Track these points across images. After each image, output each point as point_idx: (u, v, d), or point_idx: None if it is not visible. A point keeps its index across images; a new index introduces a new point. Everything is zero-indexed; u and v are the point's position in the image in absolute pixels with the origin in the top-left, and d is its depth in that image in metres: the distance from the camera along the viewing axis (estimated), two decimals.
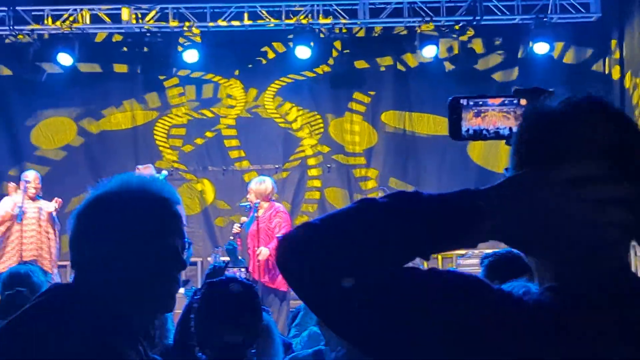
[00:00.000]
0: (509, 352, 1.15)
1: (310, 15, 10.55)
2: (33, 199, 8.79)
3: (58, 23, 10.44)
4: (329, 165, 11.13)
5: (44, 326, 1.70)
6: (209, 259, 9.80)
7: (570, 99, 1.26)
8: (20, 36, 10.50)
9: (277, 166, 11.05)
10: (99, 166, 10.52)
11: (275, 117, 11.18)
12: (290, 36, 10.70)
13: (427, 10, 10.50)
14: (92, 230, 1.83)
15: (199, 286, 3.53)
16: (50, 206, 8.74)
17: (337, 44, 10.86)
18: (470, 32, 10.76)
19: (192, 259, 10.25)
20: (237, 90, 11.19)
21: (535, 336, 1.15)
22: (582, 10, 10.53)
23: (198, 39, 10.67)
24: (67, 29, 10.38)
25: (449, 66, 10.84)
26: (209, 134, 11.15)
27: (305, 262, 1.19)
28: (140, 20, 10.57)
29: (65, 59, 10.32)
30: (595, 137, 1.22)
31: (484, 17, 10.43)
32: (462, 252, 8.80)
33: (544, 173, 1.19)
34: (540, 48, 10.33)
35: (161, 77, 11.03)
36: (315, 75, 11.06)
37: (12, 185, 9.15)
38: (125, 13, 10.37)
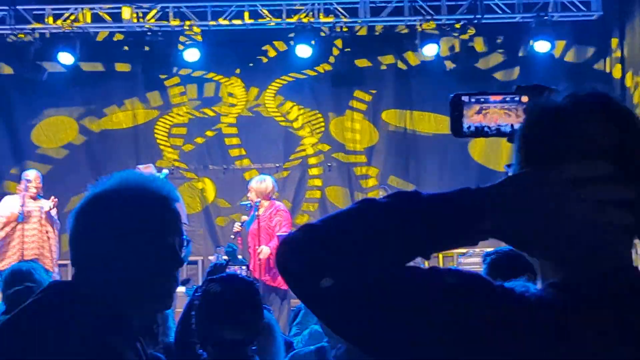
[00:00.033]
0: (509, 351, 1.15)
1: (310, 13, 10.55)
2: (34, 198, 8.80)
3: (59, 22, 10.44)
4: (329, 164, 11.14)
5: (42, 324, 1.70)
6: (210, 257, 9.80)
7: (575, 95, 1.26)
8: (21, 35, 10.49)
9: (277, 165, 11.05)
10: (100, 165, 10.53)
11: (276, 115, 11.18)
12: (291, 35, 10.70)
13: (428, 9, 10.50)
14: (91, 229, 1.83)
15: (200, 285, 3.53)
16: (46, 205, 8.74)
17: (338, 43, 10.86)
18: (471, 31, 10.75)
19: (193, 258, 10.27)
20: (238, 89, 11.19)
21: (535, 335, 1.15)
22: (583, 8, 10.53)
23: (199, 38, 10.67)
24: (68, 27, 10.39)
25: (449, 65, 10.84)
26: (209, 133, 11.15)
27: (306, 262, 1.19)
28: (141, 19, 10.56)
29: (66, 58, 10.32)
30: (598, 134, 1.21)
31: (485, 16, 10.42)
32: (463, 250, 8.80)
33: (545, 173, 1.19)
34: (541, 46, 10.33)
35: (162, 76, 11.04)
36: (316, 74, 11.07)
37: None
38: (126, 12, 10.36)
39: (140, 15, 10.59)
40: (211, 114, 11.19)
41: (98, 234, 1.81)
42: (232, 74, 11.16)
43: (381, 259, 1.18)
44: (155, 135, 11.15)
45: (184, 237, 1.93)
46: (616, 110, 1.25)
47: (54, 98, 10.86)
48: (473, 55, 10.76)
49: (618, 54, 10.74)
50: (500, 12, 10.51)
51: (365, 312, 1.18)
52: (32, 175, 8.87)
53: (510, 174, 1.30)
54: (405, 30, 11.00)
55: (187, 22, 10.52)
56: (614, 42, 10.83)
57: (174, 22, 10.54)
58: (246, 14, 10.56)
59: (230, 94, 11.20)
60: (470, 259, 8.73)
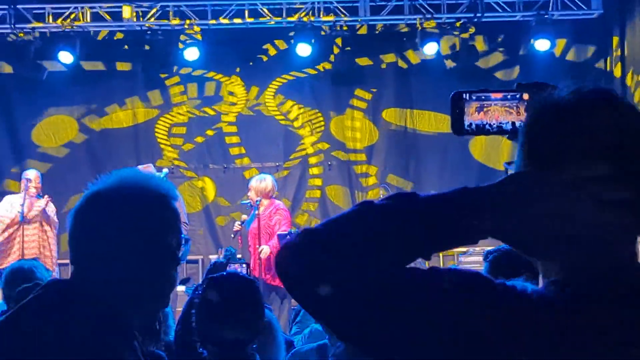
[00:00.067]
0: (509, 350, 1.15)
1: (311, 12, 10.54)
2: (34, 198, 8.80)
3: (59, 21, 10.43)
4: (329, 163, 11.13)
5: (41, 322, 1.70)
6: (211, 257, 9.81)
7: (579, 91, 1.25)
8: (22, 34, 10.49)
9: (277, 164, 11.04)
10: (100, 164, 10.51)
11: (276, 114, 11.17)
12: (291, 34, 10.69)
13: (428, 8, 10.49)
14: (89, 228, 1.83)
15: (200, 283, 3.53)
16: (42, 203, 8.73)
17: (338, 41, 10.85)
18: (472, 30, 10.74)
19: (193, 257, 10.27)
20: (238, 88, 11.19)
21: (535, 335, 1.15)
22: (583, 7, 10.52)
23: (199, 37, 10.66)
24: (68, 27, 10.38)
25: (450, 63, 10.83)
26: (209, 132, 11.14)
27: (307, 266, 1.19)
28: (141, 19, 10.56)
29: (66, 57, 10.32)
30: (602, 131, 1.21)
31: (485, 14, 10.42)
32: (464, 249, 8.80)
33: (545, 172, 1.19)
34: (542, 45, 10.32)
35: (162, 75, 11.03)
36: (316, 72, 11.06)
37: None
38: (127, 11, 10.36)
39: (140, 14, 10.58)
40: (211, 112, 11.18)
41: (96, 233, 1.81)
42: (232, 73, 11.15)
43: (381, 261, 1.18)
44: (156, 134, 11.14)
45: (182, 235, 1.93)
46: (620, 106, 1.24)
47: (54, 97, 10.85)
48: (473, 54, 10.75)
49: (618, 52, 10.73)
50: (500, 10, 10.50)
51: (365, 312, 1.18)
52: (32, 174, 8.88)
53: (510, 171, 1.30)
54: (406, 29, 10.99)
55: (187, 21, 10.51)
56: (615, 40, 10.81)
57: (174, 21, 10.53)
58: (246, 13, 10.55)
59: (231, 93, 11.19)
60: (471, 257, 8.73)
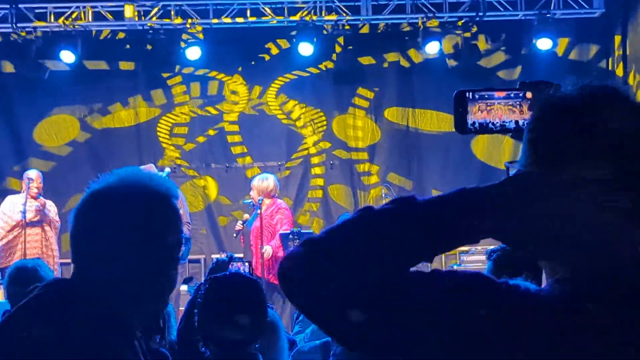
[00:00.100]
0: (510, 350, 1.15)
1: (313, 11, 10.53)
2: (35, 198, 8.80)
3: (61, 20, 10.43)
4: (332, 162, 11.13)
5: (40, 322, 1.70)
6: (213, 256, 9.81)
7: (586, 88, 1.25)
8: (23, 33, 10.49)
9: (280, 163, 11.04)
10: (102, 163, 10.51)
11: (279, 114, 11.17)
12: (293, 33, 10.68)
13: (430, 7, 10.49)
14: (89, 227, 1.83)
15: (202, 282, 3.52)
16: (38, 204, 8.73)
17: (340, 40, 10.85)
18: (474, 29, 10.74)
19: (196, 256, 10.28)
20: (240, 87, 11.18)
21: (535, 334, 1.15)
22: (585, 5, 10.51)
23: (201, 36, 10.66)
24: (70, 26, 10.38)
25: (452, 63, 10.82)
26: (211, 132, 11.14)
27: (310, 275, 1.19)
28: (143, 18, 10.56)
29: (68, 56, 10.32)
30: (607, 131, 1.20)
31: (487, 13, 10.41)
32: (465, 248, 8.80)
33: (546, 172, 1.19)
34: (544, 44, 10.31)
35: (164, 75, 11.03)
36: (319, 71, 11.05)
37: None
38: (129, 10, 10.36)
39: (142, 13, 10.58)
40: (214, 112, 11.18)
41: (96, 233, 1.81)
42: (234, 72, 11.15)
43: (384, 266, 1.18)
44: (158, 133, 11.14)
45: (183, 235, 1.92)
46: (626, 105, 1.24)
47: (55, 97, 10.85)
48: (475, 53, 10.75)
49: (620, 51, 10.72)
50: (502, 9, 10.50)
51: (366, 312, 1.18)
52: (33, 174, 8.89)
53: (512, 169, 1.30)
54: (408, 28, 10.98)
55: (189, 20, 10.51)
56: (617, 39, 10.80)
57: (176, 21, 10.53)
58: (248, 12, 10.54)
59: (233, 92, 11.19)
60: (473, 256, 8.73)
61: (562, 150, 1.21)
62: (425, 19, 10.44)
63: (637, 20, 10.27)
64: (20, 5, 10.30)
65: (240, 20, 10.57)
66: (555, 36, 10.36)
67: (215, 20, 10.54)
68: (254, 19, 10.55)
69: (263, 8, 10.52)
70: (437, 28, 10.58)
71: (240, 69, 11.13)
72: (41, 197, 8.91)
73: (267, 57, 11.12)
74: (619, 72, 10.70)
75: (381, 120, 11.17)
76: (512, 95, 1.53)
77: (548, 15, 10.33)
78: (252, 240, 8.50)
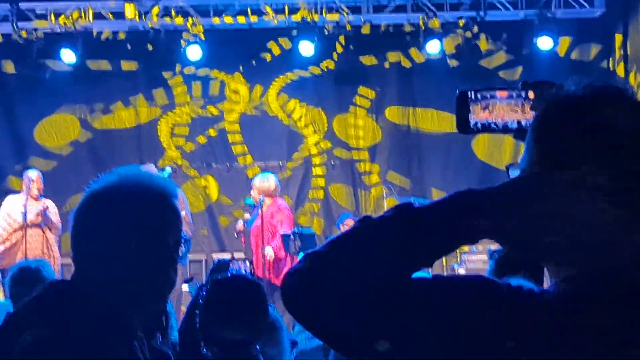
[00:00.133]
0: (510, 350, 1.15)
1: (314, 11, 10.53)
2: (35, 198, 8.80)
3: (61, 20, 10.43)
4: (333, 162, 11.13)
5: (40, 322, 1.70)
6: (214, 256, 9.82)
7: (591, 87, 1.25)
8: (24, 33, 10.48)
9: (281, 163, 11.05)
10: (103, 163, 10.51)
11: (279, 113, 11.17)
12: (294, 32, 10.68)
13: (431, 6, 10.48)
14: (89, 227, 1.82)
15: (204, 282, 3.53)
16: (39, 206, 8.73)
17: (342, 40, 10.84)
18: (475, 28, 10.73)
19: (197, 257, 10.28)
20: (241, 87, 11.18)
21: (536, 334, 1.15)
22: (585, 5, 10.51)
23: (202, 36, 10.65)
24: (70, 26, 10.38)
25: (453, 62, 10.82)
26: (212, 132, 11.14)
27: (314, 290, 1.20)
28: (143, 17, 10.55)
29: (68, 56, 10.32)
30: (611, 130, 1.20)
31: (488, 13, 10.41)
32: (466, 248, 8.80)
33: (546, 173, 1.19)
34: (545, 43, 10.30)
35: (164, 74, 11.03)
36: (320, 71, 11.05)
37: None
38: (129, 10, 10.35)
39: (143, 13, 10.58)
40: (215, 112, 11.18)
41: (95, 233, 1.81)
42: (235, 72, 11.15)
43: (385, 274, 1.18)
44: (158, 133, 11.15)
45: (183, 235, 1.92)
46: (630, 104, 1.24)
47: (56, 96, 10.85)
48: (476, 52, 10.74)
49: (622, 51, 10.72)
50: (502, 9, 10.50)
51: (365, 313, 1.18)
52: (33, 175, 8.88)
53: (511, 171, 1.30)
54: (409, 28, 10.97)
55: (190, 20, 10.50)
56: (618, 39, 10.80)
57: (178, 20, 10.52)
58: (249, 12, 10.54)
59: (235, 91, 11.19)
60: (474, 256, 8.73)
61: (566, 149, 1.21)
62: (426, 19, 10.44)
63: (638, 19, 10.26)
64: (20, 5, 10.30)
65: (241, 19, 10.56)
66: (556, 35, 10.35)
67: (217, 20, 10.54)
68: (255, 18, 10.54)
69: (264, 8, 10.51)
70: (438, 28, 10.57)
71: (241, 68, 11.13)
72: (42, 198, 8.91)
73: (268, 57, 11.11)
74: (620, 72, 10.69)
75: (382, 120, 11.17)
76: (514, 95, 1.53)
77: (549, 14, 10.32)
78: (252, 240, 8.51)
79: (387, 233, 1.21)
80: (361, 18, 10.72)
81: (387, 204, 10.36)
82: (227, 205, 11.00)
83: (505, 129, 1.52)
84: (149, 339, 1.93)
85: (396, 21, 10.93)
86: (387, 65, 11.16)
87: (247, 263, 5.06)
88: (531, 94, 1.52)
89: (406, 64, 11.14)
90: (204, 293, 2.77)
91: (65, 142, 11.02)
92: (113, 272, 1.78)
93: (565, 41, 10.78)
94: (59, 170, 10.75)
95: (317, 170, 11.17)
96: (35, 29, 10.45)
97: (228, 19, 10.53)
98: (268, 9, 10.51)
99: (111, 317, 1.75)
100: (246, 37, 10.84)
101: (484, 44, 10.93)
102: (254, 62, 11.11)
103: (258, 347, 2.71)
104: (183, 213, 8.85)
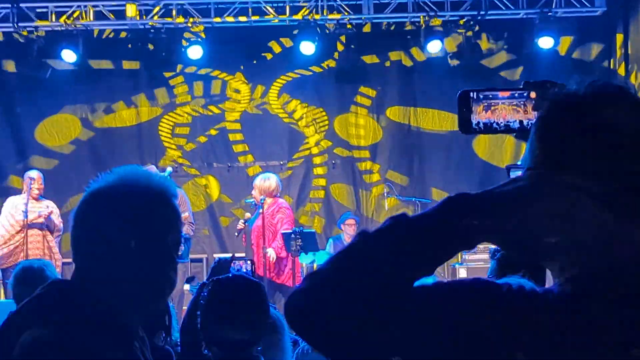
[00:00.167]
0: (510, 350, 1.15)
1: (314, 10, 10.53)
2: (36, 198, 8.80)
3: (62, 20, 10.43)
4: (334, 162, 11.13)
5: (40, 322, 1.70)
6: (215, 255, 9.82)
7: (593, 87, 1.24)
8: (25, 33, 10.49)
9: (282, 163, 11.05)
10: (103, 163, 10.51)
11: (280, 113, 11.17)
12: (295, 32, 10.68)
13: (432, 5, 10.48)
14: (88, 227, 1.82)
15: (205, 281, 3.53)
16: (43, 209, 8.71)
17: (343, 39, 10.84)
18: (476, 27, 10.73)
19: (198, 256, 10.28)
20: (242, 86, 11.18)
21: (536, 334, 1.15)
22: (586, 4, 10.50)
23: (203, 35, 10.66)
24: (71, 25, 10.38)
25: (454, 61, 10.81)
26: (213, 131, 11.15)
27: (320, 310, 1.21)
28: (144, 17, 10.55)
29: (69, 55, 10.32)
30: (614, 130, 1.20)
31: (489, 12, 10.41)
32: None
33: (548, 172, 1.19)
34: (545, 43, 10.30)
35: (165, 74, 11.03)
36: (321, 70, 11.05)
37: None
38: (131, 9, 10.35)
39: (144, 12, 10.58)
40: (216, 111, 11.19)
41: (96, 233, 1.80)
42: (235, 71, 11.15)
43: (387, 284, 1.19)
44: (159, 132, 11.15)
45: (182, 234, 1.92)
46: (632, 105, 1.24)
47: (57, 96, 10.85)
48: (477, 51, 10.75)
49: (622, 50, 10.71)
50: (503, 8, 10.49)
51: (365, 313, 1.19)
52: (34, 175, 8.88)
53: (512, 173, 1.30)
54: (410, 27, 10.98)
55: (191, 19, 10.50)
56: (619, 38, 10.80)
57: (179, 20, 10.52)
58: (250, 11, 10.54)
59: (236, 91, 11.19)
60: (475, 255, 8.73)
61: (568, 149, 1.21)
62: (427, 18, 10.44)
63: (638, 19, 10.26)
64: (21, 5, 10.30)
65: (243, 19, 10.55)
66: (557, 35, 10.35)
67: (218, 19, 10.53)
68: (256, 17, 10.54)
69: (265, 7, 10.50)
70: (439, 27, 10.57)
71: (242, 67, 11.13)
72: (43, 199, 8.90)
73: (269, 56, 11.11)
74: (621, 71, 10.69)
75: (383, 119, 11.17)
76: (516, 95, 1.53)
77: (550, 13, 10.32)
78: (253, 240, 8.51)
79: (385, 246, 1.22)
80: (362, 17, 10.72)
81: (388, 203, 10.36)
82: (228, 204, 11.01)
83: (507, 129, 1.52)
84: (151, 338, 1.93)
85: (397, 20, 10.93)
86: (388, 64, 11.16)
87: (249, 262, 5.05)
88: (533, 94, 1.52)
89: (407, 62, 11.14)
90: (205, 293, 2.76)
91: (67, 141, 11.02)
92: (113, 272, 1.78)
93: (566, 40, 10.78)
94: (60, 169, 10.76)
95: (318, 170, 11.17)
96: (36, 28, 10.45)
97: (229, 18, 10.53)
98: (269, 8, 10.51)
99: (111, 317, 1.75)
100: (247, 37, 10.84)
101: (484, 43, 10.93)
102: (254, 61, 11.11)
103: (260, 348, 2.71)
104: (186, 214, 8.82)
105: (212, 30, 10.67)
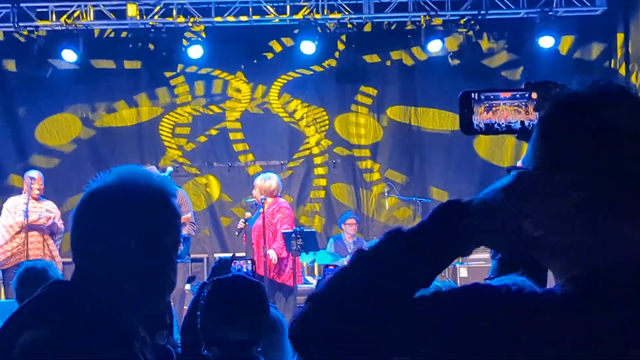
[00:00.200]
0: (510, 350, 1.15)
1: (315, 10, 10.52)
2: (36, 199, 8.80)
3: (62, 19, 10.43)
4: (334, 161, 11.13)
5: (41, 322, 1.70)
6: (215, 255, 9.83)
7: (596, 86, 1.24)
8: (25, 32, 10.49)
9: (282, 162, 11.05)
10: (104, 163, 10.51)
11: (281, 112, 11.17)
12: (296, 31, 10.68)
13: (432, 5, 10.48)
14: (87, 227, 1.82)
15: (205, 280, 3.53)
16: (43, 211, 8.71)
17: (343, 39, 10.84)
18: (476, 27, 10.73)
19: (199, 255, 10.29)
20: (243, 85, 11.18)
21: (536, 334, 1.15)
22: (587, 3, 10.50)
23: (203, 35, 10.65)
24: (72, 24, 10.37)
25: (454, 61, 10.81)
26: (214, 131, 11.15)
27: (323, 331, 1.22)
28: (144, 17, 10.55)
29: (69, 55, 10.32)
30: (614, 130, 1.20)
31: (489, 11, 10.40)
32: None
33: (548, 172, 1.19)
34: (546, 42, 10.30)
35: (166, 74, 11.03)
36: (322, 69, 11.05)
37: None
38: (132, 9, 10.35)
39: (144, 12, 10.57)
40: (217, 110, 11.19)
41: (95, 233, 1.80)
42: (236, 71, 11.15)
43: (388, 303, 1.20)
44: (160, 132, 11.15)
45: (181, 234, 1.91)
46: (633, 104, 1.23)
47: (57, 96, 10.85)
48: (477, 51, 10.75)
49: (623, 50, 10.71)
50: (504, 7, 10.49)
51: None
52: (35, 174, 8.88)
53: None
54: (410, 27, 10.98)
55: (191, 19, 10.50)
56: (620, 37, 10.79)
57: (179, 19, 10.52)
58: (250, 11, 10.53)
59: (237, 90, 11.19)
60: (476, 254, 8.71)
61: (570, 148, 1.20)
62: (427, 17, 10.43)
63: (639, 18, 10.25)
64: (21, 5, 10.30)
65: (243, 18, 10.55)
66: (558, 34, 10.34)
67: (218, 19, 10.53)
68: (256, 17, 10.53)
69: (265, 6, 10.50)
70: (439, 26, 10.56)
71: (242, 67, 11.13)
72: (43, 199, 8.90)
73: (270, 56, 11.11)
74: (622, 70, 10.69)
75: (383, 119, 11.17)
76: (517, 95, 1.53)
77: (550, 13, 10.32)
78: (253, 239, 8.51)
79: (382, 262, 1.23)
80: (362, 17, 10.72)
81: (389, 202, 10.36)
82: (229, 203, 11.01)
83: (508, 130, 1.52)
84: (152, 338, 1.93)
85: (398, 20, 10.93)
86: (388, 63, 11.16)
87: (249, 262, 5.05)
88: (534, 95, 1.52)
89: (408, 61, 11.14)
90: (205, 293, 2.76)
91: (67, 141, 11.03)
92: (112, 272, 1.78)
93: (567, 40, 10.77)
94: (61, 167, 10.76)
95: (319, 170, 11.17)
96: (37, 28, 10.45)
97: (230, 18, 10.52)
98: (269, 7, 10.51)
99: (111, 317, 1.75)
100: (248, 36, 10.84)
101: (485, 42, 10.93)
102: (255, 60, 11.11)
103: (260, 349, 2.71)
104: (189, 214, 8.79)
105: (213, 29, 10.67)
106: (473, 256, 8.87)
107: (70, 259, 1.88)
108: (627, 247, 1.19)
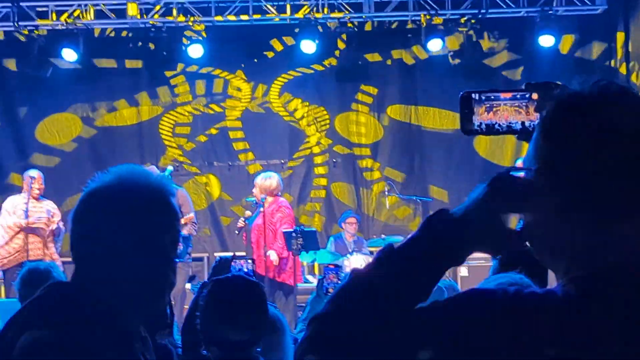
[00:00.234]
0: (510, 350, 1.15)
1: (315, 9, 10.52)
2: (36, 198, 8.80)
3: (62, 19, 10.43)
4: (334, 160, 11.13)
5: (41, 323, 1.70)
6: (216, 254, 9.83)
7: (597, 86, 1.24)
8: (25, 32, 10.49)
9: (283, 161, 11.05)
10: (104, 162, 10.51)
11: (281, 111, 11.18)
12: (296, 30, 10.67)
13: (432, 4, 10.48)
14: (87, 227, 1.82)
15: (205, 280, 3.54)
16: (42, 212, 8.71)
17: (344, 38, 10.84)
18: (477, 26, 10.73)
19: (199, 255, 10.29)
20: (243, 85, 11.18)
21: (535, 335, 1.15)
22: (587, 2, 10.50)
23: (204, 34, 10.65)
24: (72, 24, 10.37)
25: (455, 60, 10.81)
26: (214, 130, 11.15)
27: (327, 353, 1.23)
28: (145, 16, 10.55)
29: (69, 55, 10.32)
30: (614, 130, 1.20)
31: (490, 10, 10.40)
32: None
33: (548, 172, 1.19)
34: (546, 41, 10.29)
35: (166, 73, 11.03)
36: (323, 68, 11.05)
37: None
38: (132, 8, 10.35)
39: (144, 11, 10.57)
40: (217, 109, 11.19)
41: (94, 233, 1.80)
42: (236, 70, 11.15)
43: (388, 319, 1.21)
44: (160, 131, 11.15)
45: (180, 233, 1.91)
46: (634, 104, 1.24)
47: (57, 95, 10.86)
48: (478, 50, 10.76)
49: (624, 49, 10.71)
50: (504, 6, 10.49)
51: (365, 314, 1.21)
52: (35, 174, 8.88)
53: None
54: (410, 26, 10.98)
55: (192, 18, 10.50)
56: (620, 36, 10.79)
57: (179, 19, 10.51)
58: (250, 10, 10.53)
59: (237, 89, 11.19)
60: (475, 254, 8.70)
61: (571, 148, 1.21)
62: (428, 17, 10.43)
63: (639, 18, 10.25)
64: (21, 4, 10.30)
65: (243, 17, 10.55)
66: (558, 33, 10.34)
67: (219, 18, 10.52)
68: (257, 16, 10.53)
69: (266, 5, 10.50)
70: (440, 25, 10.56)
71: (243, 66, 11.13)
72: (43, 199, 8.89)
73: (270, 55, 11.11)
74: (622, 69, 10.69)
75: (384, 118, 11.17)
76: (518, 96, 1.53)
77: (550, 12, 10.32)
78: (253, 238, 8.51)
79: (378, 280, 1.23)
80: (363, 16, 10.72)
81: (389, 201, 10.36)
82: (229, 202, 11.01)
83: (509, 130, 1.52)
84: (153, 337, 1.93)
85: (398, 19, 10.92)
86: (389, 62, 11.16)
87: (250, 261, 5.06)
88: (535, 95, 1.52)
89: (408, 60, 11.14)
90: (205, 293, 2.77)
91: (68, 140, 11.03)
92: (111, 272, 1.78)
93: (567, 39, 10.77)
94: (61, 167, 10.76)
95: (319, 170, 11.17)
96: (37, 27, 10.45)
97: (230, 17, 10.52)
98: (270, 7, 10.50)
99: (111, 318, 1.75)
100: (248, 35, 10.84)
101: (485, 41, 10.93)
102: (255, 59, 11.11)
103: (259, 349, 2.71)
104: (191, 214, 8.80)
105: (213, 28, 10.66)
106: (473, 255, 8.88)
107: (70, 259, 1.88)
108: (627, 247, 1.19)
